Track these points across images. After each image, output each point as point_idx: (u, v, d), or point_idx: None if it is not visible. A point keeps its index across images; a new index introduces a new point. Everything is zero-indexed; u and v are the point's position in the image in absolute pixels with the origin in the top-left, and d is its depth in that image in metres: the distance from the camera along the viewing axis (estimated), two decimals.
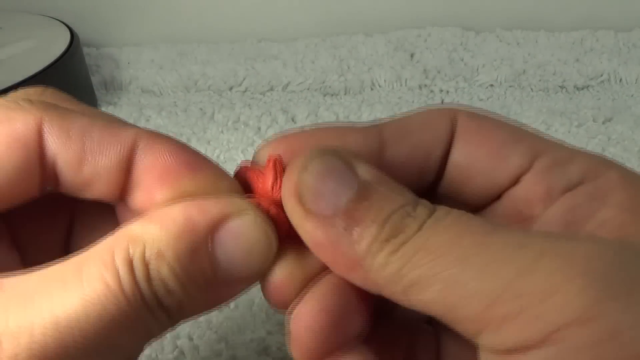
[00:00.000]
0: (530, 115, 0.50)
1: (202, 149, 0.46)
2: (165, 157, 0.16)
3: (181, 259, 0.14)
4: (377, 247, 0.14)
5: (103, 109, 0.53)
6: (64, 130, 0.16)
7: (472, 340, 0.13)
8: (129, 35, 0.66)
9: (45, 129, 0.16)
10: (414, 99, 0.54)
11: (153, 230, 0.15)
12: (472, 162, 0.17)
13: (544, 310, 0.12)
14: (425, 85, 0.56)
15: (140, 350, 0.15)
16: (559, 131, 0.48)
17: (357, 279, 0.15)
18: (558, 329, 0.12)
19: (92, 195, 0.17)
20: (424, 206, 0.14)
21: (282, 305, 0.17)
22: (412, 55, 0.60)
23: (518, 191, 0.17)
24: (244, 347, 0.30)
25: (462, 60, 0.59)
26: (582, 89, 0.56)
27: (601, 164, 0.17)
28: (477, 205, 0.18)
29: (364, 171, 0.15)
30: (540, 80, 0.56)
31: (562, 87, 0.56)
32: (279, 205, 0.16)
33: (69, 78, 0.49)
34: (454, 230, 0.13)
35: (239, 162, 0.18)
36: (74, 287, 0.13)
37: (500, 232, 0.13)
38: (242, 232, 0.15)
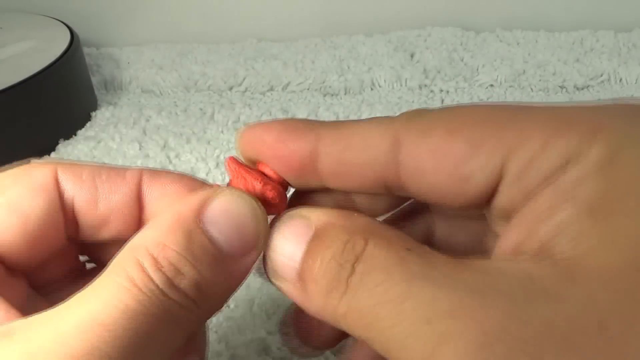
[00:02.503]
0: None
1: (202, 149, 0.46)
2: (169, 186, 0.19)
3: (181, 242, 0.15)
4: (324, 302, 0.15)
5: (103, 109, 0.53)
6: (77, 175, 0.18)
7: None
8: (129, 35, 0.66)
9: (60, 176, 0.18)
10: (414, 99, 0.54)
11: (148, 233, 0.16)
12: (434, 191, 0.16)
13: None
14: (425, 85, 0.56)
15: (180, 344, 0.16)
16: None
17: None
18: None
19: (110, 234, 0.19)
20: (350, 249, 0.15)
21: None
22: (412, 55, 0.60)
23: (499, 201, 0.15)
24: (244, 347, 0.30)
25: (462, 60, 0.59)
26: (582, 89, 0.56)
27: (590, 136, 0.13)
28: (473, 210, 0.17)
29: (317, 218, 0.16)
30: (540, 80, 0.56)
31: (562, 87, 0.56)
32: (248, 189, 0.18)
33: (69, 78, 0.49)
34: (378, 293, 0.14)
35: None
36: (93, 298, 0.14)
37: (414, 295, 0.13)
38: (226, 208, 0.17)
